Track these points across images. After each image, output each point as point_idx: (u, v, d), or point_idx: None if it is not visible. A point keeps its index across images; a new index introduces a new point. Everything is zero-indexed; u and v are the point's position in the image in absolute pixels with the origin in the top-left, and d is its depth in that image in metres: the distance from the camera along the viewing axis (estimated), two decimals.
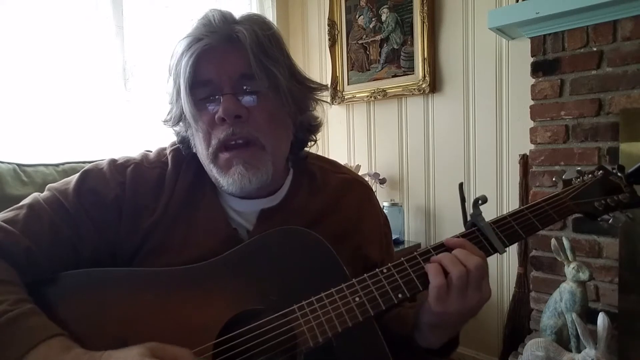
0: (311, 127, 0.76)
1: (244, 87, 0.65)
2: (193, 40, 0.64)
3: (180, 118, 0.70)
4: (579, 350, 1.27)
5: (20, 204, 0.66)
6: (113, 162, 0.71)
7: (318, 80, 0.76)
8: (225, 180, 0.66)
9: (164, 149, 0.76)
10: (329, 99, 2.43)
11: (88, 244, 0.65)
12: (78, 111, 1.67)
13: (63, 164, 1.07)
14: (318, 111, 0.77)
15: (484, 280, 0.60)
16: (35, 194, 0.67)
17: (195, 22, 0.66)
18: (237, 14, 0.68)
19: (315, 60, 2.57)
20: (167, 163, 0.72)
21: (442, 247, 0.63)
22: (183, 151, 0.73)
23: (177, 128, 0.74)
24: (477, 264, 0.58)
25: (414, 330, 0.67)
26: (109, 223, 0.66)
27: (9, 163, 0.99)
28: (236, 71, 0.64)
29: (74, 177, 0.69)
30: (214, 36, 0.64)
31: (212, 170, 0.67)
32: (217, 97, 0.65)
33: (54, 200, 0.65)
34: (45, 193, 0.67)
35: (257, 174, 0.65)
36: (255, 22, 0.66)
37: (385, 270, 0.61)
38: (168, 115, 0.73)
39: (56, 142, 1.60)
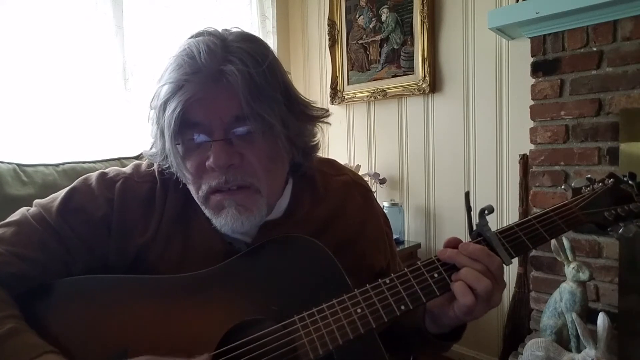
0: (308, 150, 0.72)
1: (237, 130, 0.60)
2: (176, 88, 0.58)
3: (166, 154, 0.64)
4: (579, 350, 1.27)
5: (8, 220, 0.64)
6: (102, 177, 0.69)
7: (318, 80, 0.73)
8: (217, 221, 0.63)
9: None
10: (329, 102, 2.43)
11: (78, 260, 0.64)
12: (78, 111, 1.67)
13: (63, 164, 1.07)
14: (318, 130, 0.73)
15: (503, 276, 0.60)
16: (23, 210, 0.66)
17: (179, 58, 0.59)
18: (229, 35, 0.61)
19: (315, 60, 2.57)
20: (157, 177, 0.70)
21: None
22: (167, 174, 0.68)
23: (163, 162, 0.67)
24: (498, 267, 0.59)
25: (425, 322, 0.66)
26: (97, 240, 0.65)
27: (9, 163, 0.99)
28: (227, 114, 0.59)
29: (61, 194, 0.67)
30: (199, 77, 0.57)
31: (205, 210, 0.65)
32: (206, 142, 0.60)
33: (40, 217, 0.64)
34: (33, 209, 0.66)
35: (250, 217, 0.63)
36: (248, 54, 0.59)
37: (388, 281, 0.59)
38: (152, 148, 0.68)
39: (56, 142, 1.60)
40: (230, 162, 0.60)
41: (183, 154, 0.61)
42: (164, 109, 0.59)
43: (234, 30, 0.64)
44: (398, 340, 0.73)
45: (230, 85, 0.57)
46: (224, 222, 0.62)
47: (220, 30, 0.63)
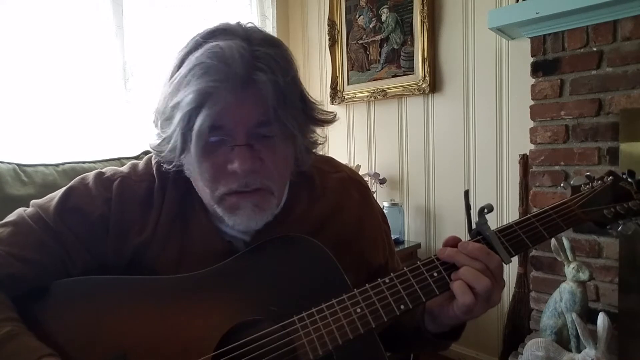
0: (311, 147, 0.72)
1: (259, 135, 0.61)
2: (205, 95, 0.56)
3: (182, 151, 0.62)
4: (579, 350, 1.27)
5: (5, 221, 0.64)
6: (99, 177, 0.68)
7: (318, 80, 0.73)
8: (231, 220, 0.63)
9: (151, 157, 0.72)
10: (329, 102, 2.43)
11: (76, 260, 0.63)
12: (78, 111, 1.68)
13: (63, 164, 1.07)
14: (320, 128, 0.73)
15: (502, 275, 0.61)
16: (20, 210, 0.66)
17: (206, 62, 0.57)
18: (251, 35, 0.60)
19: (315, 60, 2.57)
20: (154, 176, 0.69)
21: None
22: (165, 169, 0.67)
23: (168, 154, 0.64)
24: (497, 266, 0.59)
25: (425, 321, 0.66)
26: (96, 240, 0.64)
27: (9, 163, 0.99)
28: (252, 119, 0.59)
29: (58, 194, 0.66)
30: (228, 85, 0.56)
31: (216, 210, 0.64)
32: (229, 145, 0.60)
33: (38, 217, 0.63)
34: (30, 209, 0.65)
35: (263, 216, 0.64)
36: (276, 62, 0.59)
37: (387, 281, 0.59)
38: (164, 144, 0.63)
39: (56, 142, 1.60)
40: (254, 168, 0.60)
41: (204, 155, 0.61)
42: (189, 117, 0.58)
43: (249, 25, 0.63)
44: (397, 339, 0.73)
45: (259, 92, 0.57)
46: (239, 221, 0.63)
47: (237, 26, 0.62)
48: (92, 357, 0.54)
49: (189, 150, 0.60)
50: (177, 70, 0.60)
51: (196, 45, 0.60)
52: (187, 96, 0.57)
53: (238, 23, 0.63)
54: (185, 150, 0.61)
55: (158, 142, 0.65)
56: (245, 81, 0.57)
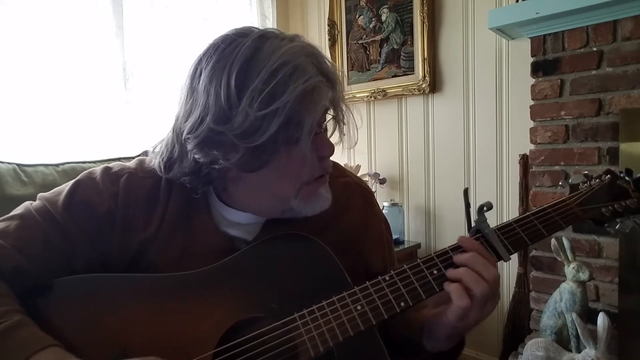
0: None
1: (323, 120, 0.65)
2: (312, 90, 0.57)
3: (272, 155, 0.59)
4: (579, 350, 1.27)
5: (12, 214, 0.64)
6: (107, 171, 0.69)
7: None
8: (307, 209, 0.65)
9: None
10: None
11: (80, 255, 0.63)
12: (78, 111, 1.67)
13: (63, 164, 1.07)
14: None
15: (498, 286, 0.60)
16: (27, 204, 0.66)
17: (292, 57, 0.57)
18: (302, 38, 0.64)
19: None
20: (161, 173, 0.68)
21: (447, 254, 0.62)
22: (189, 183, 0.66)
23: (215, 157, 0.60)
24: (494, 275, 0.59)
25: (423, 338, 0.66)
26: (101, 235, 0.64)
27: (9, 163, 0.99)
28: (324, 107, 0.62)
29: (66, 187, 0.67)
30: (324, 77, 0.60)
31: (290, 203, 0.64)
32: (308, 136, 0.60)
33: (45, 211, 0.63)
34: (37, 203, 0.65)
35: (330, 195, 0.67)
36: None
37: (387, 278, 0.60)
38: (228, 159, 0.59)
39: (56, 142, 1.60)
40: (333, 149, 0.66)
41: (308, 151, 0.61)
42: (297, 117, 0.57)
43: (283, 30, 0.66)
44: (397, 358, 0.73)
45: (331, 81, 0.61)
46: (312, 208, 0.66)
47: (276, 30, 0.64)
48: (94, 354, 0.54)
49: (279, 153, 0.59)
50: (243, 84, 0.56)
51: (254, 52, 0.57)
52: (291, 97, 0.55)
53: (279, 30, 0.65)
54: (273, 154, 0.59)
55: (193, 163, 0.63)
56: (325, 74, 0.61)
